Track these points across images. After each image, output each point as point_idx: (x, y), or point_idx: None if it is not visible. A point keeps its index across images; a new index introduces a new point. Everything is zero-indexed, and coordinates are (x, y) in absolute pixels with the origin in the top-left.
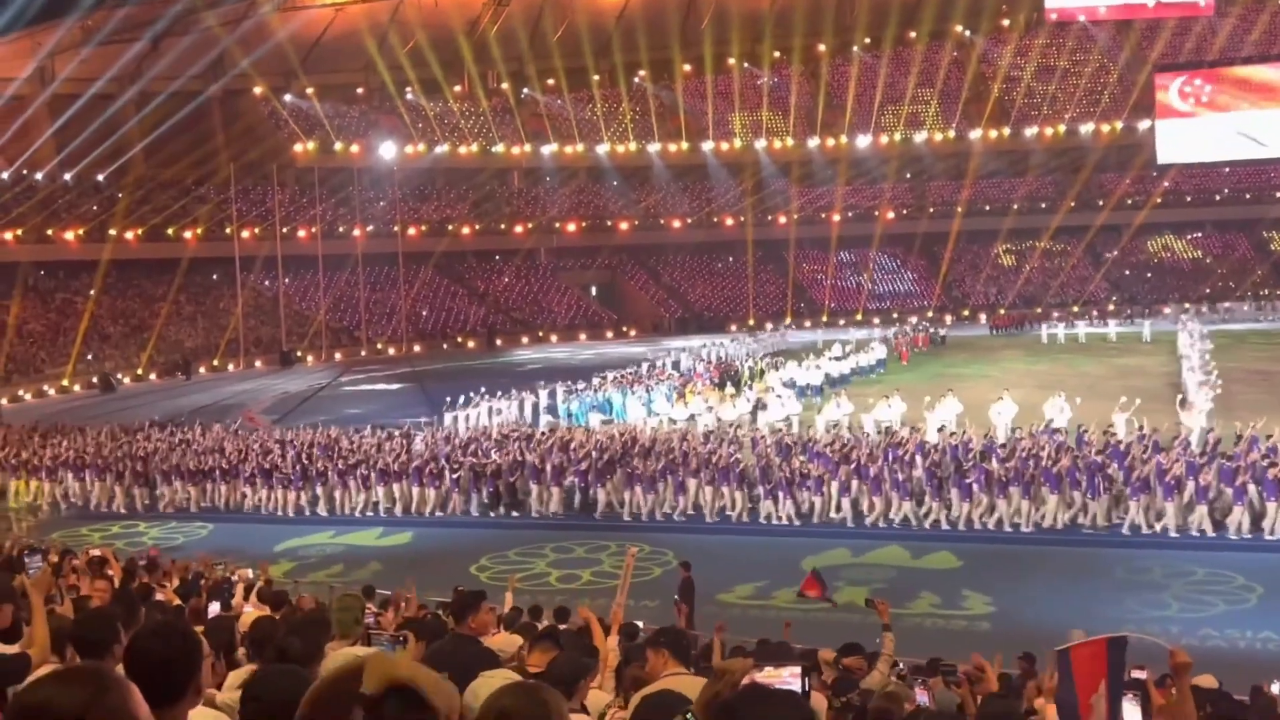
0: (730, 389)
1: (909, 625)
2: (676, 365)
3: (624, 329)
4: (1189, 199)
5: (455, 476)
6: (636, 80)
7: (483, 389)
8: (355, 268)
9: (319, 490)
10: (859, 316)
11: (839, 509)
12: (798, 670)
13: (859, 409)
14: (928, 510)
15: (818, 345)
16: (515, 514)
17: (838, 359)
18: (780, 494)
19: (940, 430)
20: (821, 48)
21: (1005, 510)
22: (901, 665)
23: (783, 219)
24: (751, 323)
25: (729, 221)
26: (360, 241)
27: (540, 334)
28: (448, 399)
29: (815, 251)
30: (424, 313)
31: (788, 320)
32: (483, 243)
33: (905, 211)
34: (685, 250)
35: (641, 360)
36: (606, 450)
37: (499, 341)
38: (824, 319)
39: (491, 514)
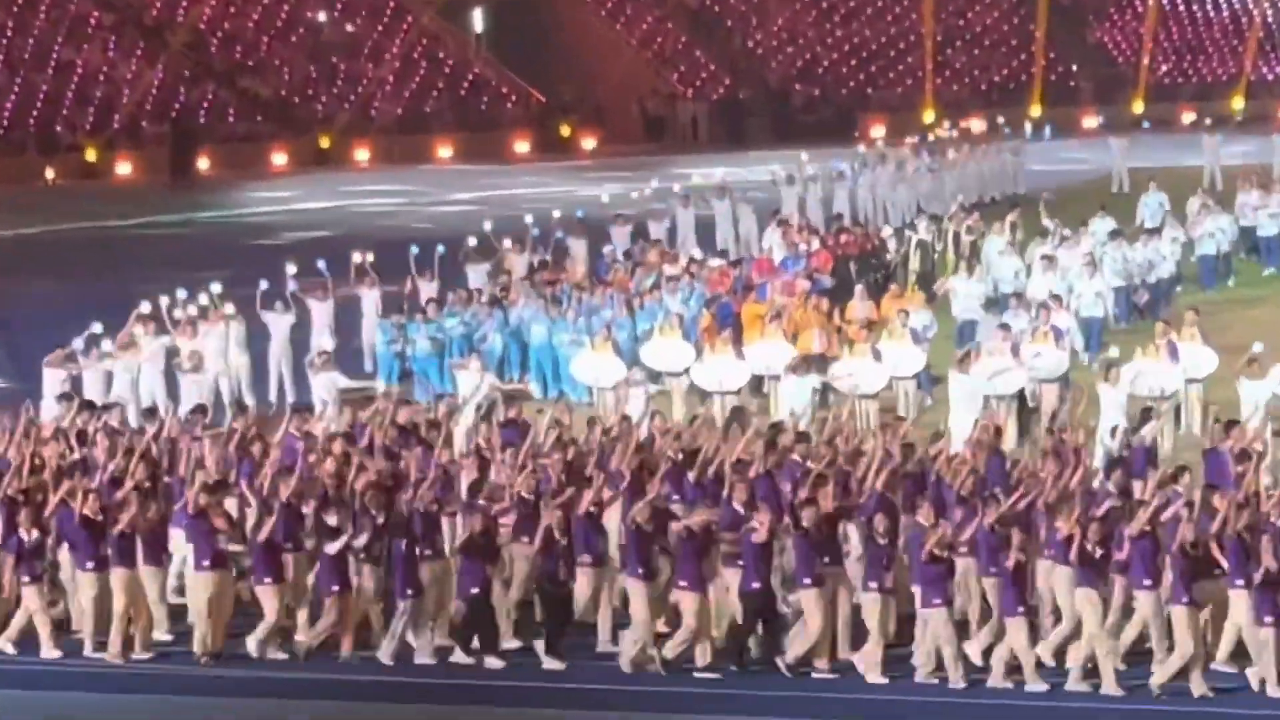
0: (864, 304)
1: None
2: (721, 248)
3: (565, 131)
4: None
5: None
6: None
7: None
8: None
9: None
10: (1237, 102)
11: None
12: None
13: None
14: None
15: (1118, 184)
16: (552, 662)
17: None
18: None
19: None
20: None
21: None
22: None
23: None
24: (930, 120)
25: None
26: None
27: (326, 145)
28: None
29: None
30: None
31: (1034, 111)
32: None
33: None
34: None
35: (616, 222)
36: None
37: (205, 164)
38: (1138, 108)
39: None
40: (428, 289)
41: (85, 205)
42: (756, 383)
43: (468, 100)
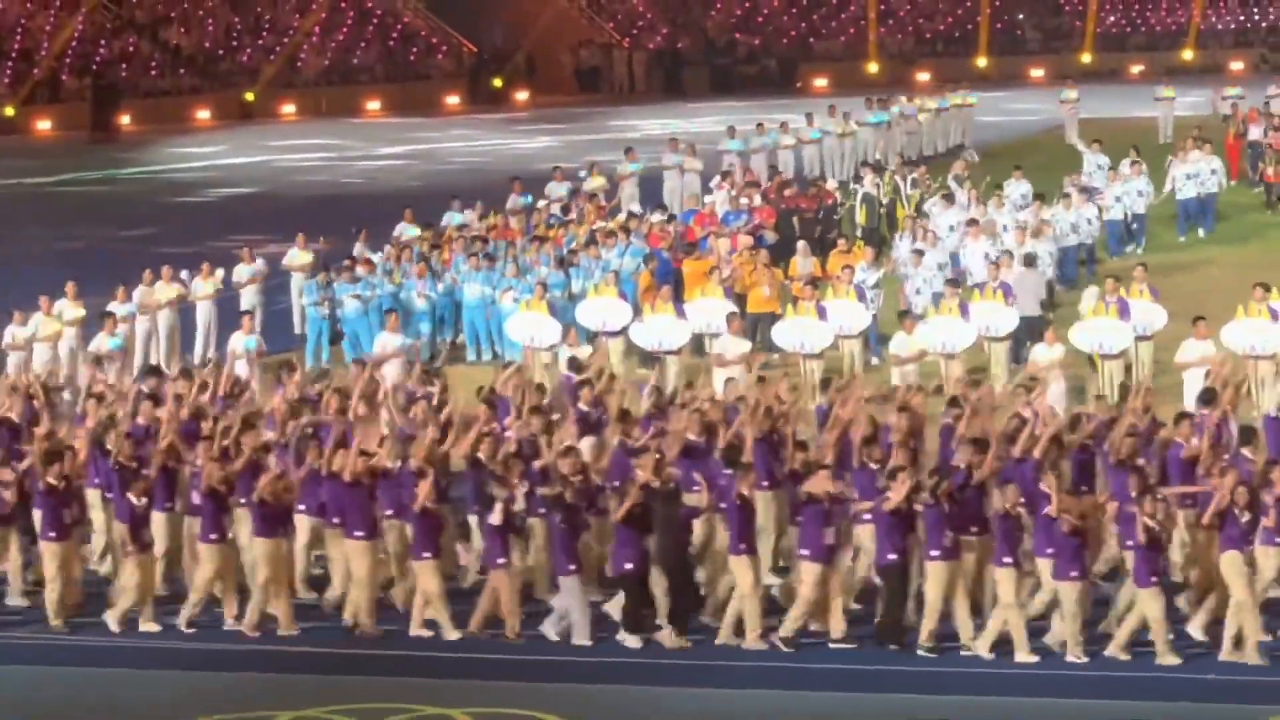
0: (806, 261)
1: None
2: (665, 202)
3: (497, 83)
4: None
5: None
6: None
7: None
8: None
9: None
10: (1187, 53)
11: None
12: None
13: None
14: None
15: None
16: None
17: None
18: None
19: None
20: None
21: None
22: None
23: None
24: (873, 67)
25: None
26: None
27: (251, 99)
28: None
29: None
30: None
31: (980, 62)
32: None
33: None
34: None
35: (554, 176)
36: None
37: (126, 119)
38: (1086, 58)
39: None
40: (360, 247)
41: (4, 161)
42: (697, 341)
43: (396, 51)
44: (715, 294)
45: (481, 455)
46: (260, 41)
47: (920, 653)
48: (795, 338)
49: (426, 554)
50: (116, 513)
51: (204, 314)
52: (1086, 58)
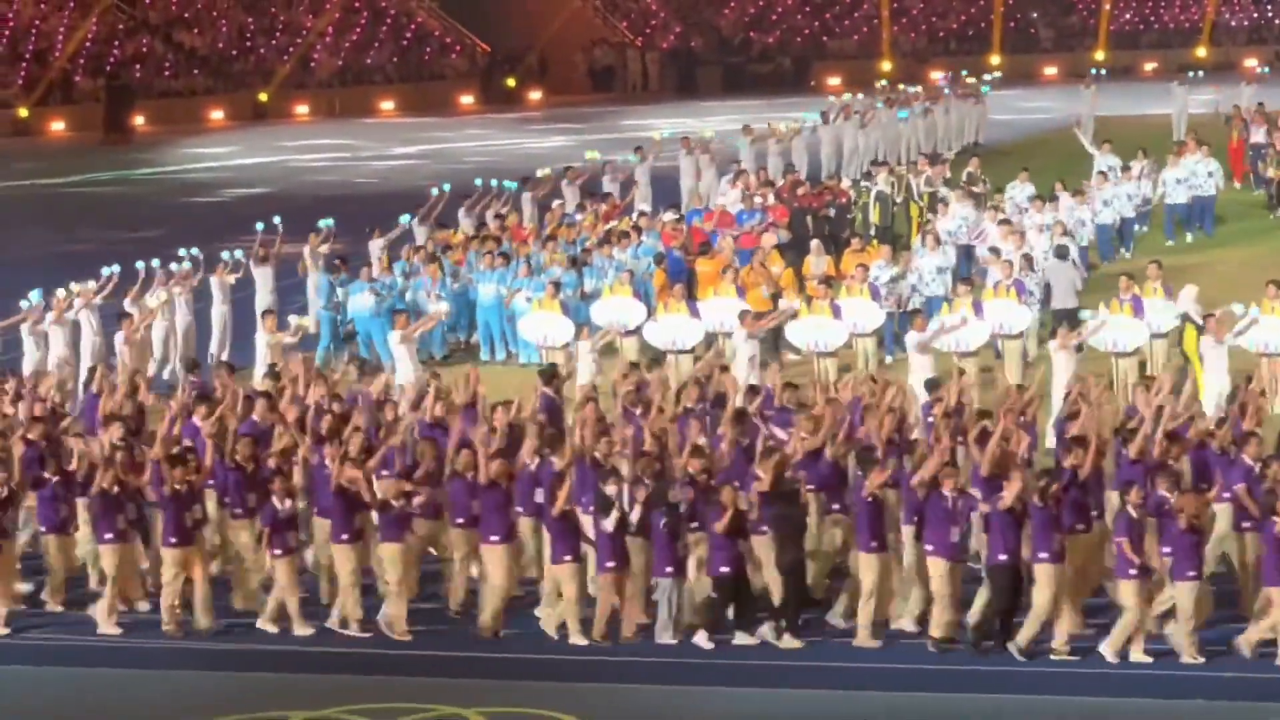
0: (820, 259)
1: None
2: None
3: (511, 83)
4: None
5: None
6: None
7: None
8: None
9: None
10: (1200, 50)
11: None
12: None
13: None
14: None
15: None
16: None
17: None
18: None
19: None
20: None
21: None
22: None
23: None
24: (887, 65)
25: None
26: None
27: (264, 99)
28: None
29: None
30: None
31: (993, 59)
32: None
33: None
34: None
35: (567, 175)
36: None
37: (140, 120)
38: (1099, 56)
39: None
40: (375, 249)
41: (18, 163)
42: (710, 340)
43: (410, 51)
44: (728, 293)
45: (599, 454)
46: (274, 42)
47: (1015, 654)
48: (810, 336)
49: (567, 557)
50: (261, 517)
51: (219, 313)
52: (1100, 55)
